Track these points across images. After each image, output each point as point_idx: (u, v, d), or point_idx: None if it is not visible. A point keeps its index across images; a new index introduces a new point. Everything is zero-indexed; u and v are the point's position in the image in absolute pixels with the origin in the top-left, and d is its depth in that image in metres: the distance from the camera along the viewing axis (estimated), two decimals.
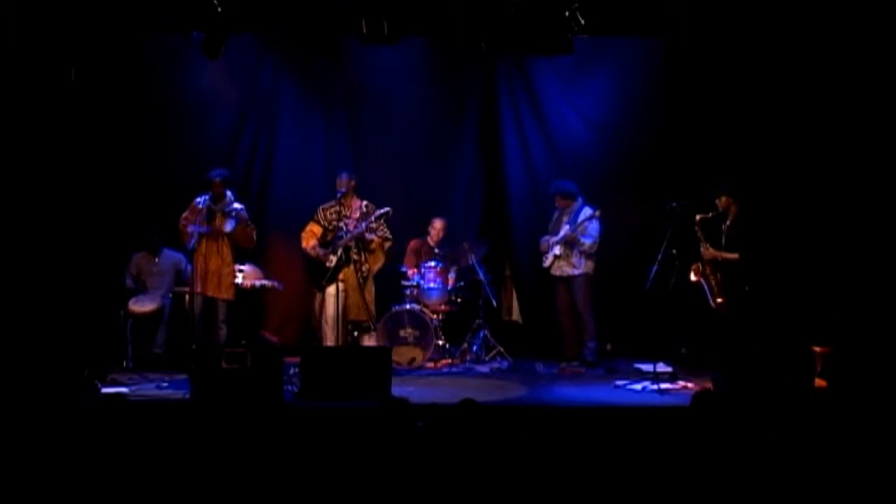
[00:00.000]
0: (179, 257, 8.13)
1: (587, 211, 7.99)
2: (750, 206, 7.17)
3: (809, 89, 7.69)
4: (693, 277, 7.15)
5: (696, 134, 8.29)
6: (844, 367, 6.67)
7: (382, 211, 7.60)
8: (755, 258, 6.92)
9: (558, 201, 8.11)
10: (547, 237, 8.14)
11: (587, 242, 7.93)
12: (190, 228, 7.60)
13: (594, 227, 7.94)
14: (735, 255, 7.02)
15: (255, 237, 7.81)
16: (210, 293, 7.68)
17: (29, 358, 6.75)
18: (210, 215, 7.62)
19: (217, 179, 7.65)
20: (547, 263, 8.10)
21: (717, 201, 7.19)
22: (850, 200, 7.50)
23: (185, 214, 7.72)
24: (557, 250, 8.01)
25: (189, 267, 7.85)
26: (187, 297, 7.89)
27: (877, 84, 7.40)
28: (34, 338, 7.11)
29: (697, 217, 7.18)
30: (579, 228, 7.93)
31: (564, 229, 8.00)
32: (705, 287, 7.11)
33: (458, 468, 3.84)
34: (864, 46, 7.39)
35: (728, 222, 7.19)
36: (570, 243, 7.96)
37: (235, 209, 7.71)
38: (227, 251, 7.69)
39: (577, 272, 7.98)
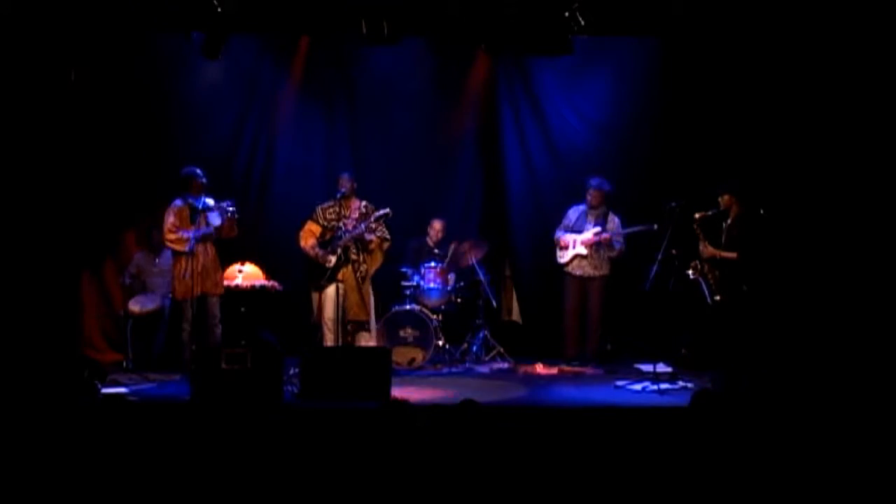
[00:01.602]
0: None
1: (615, 218, 7.99)
2: (752, 205, 7.16)
3: (809, 88, 7.69)
4: (691, 275, 7.15)
5: (696, 134, 8.30)
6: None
7: (382, 212, 7.59)
8: (754, 257, 6.91)
9: (594, 198, 8.00)
10: (562, 232, 8.08)
11: (618, 247, 7.95)
12: (186, 234, 7.39)
13: (628, 231, 7.95)
14: (733, 255, 7.01)
15: (236, 227, 7.63)
16: (204, 290, 7.44)
17: (29, 358, 6.76)
18: (194, 215, 7.45)
19: (204, 181, 7.51)
20: (565, 260, 8.04)
21: (719, 199, 7.18)
22: (849, 200, 7.51)
23: (171, 221, 7.42)
24: (583, 250, 7.97)
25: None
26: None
27: (876, 83, 7.40)
28: (34, 338, 7.12)
29: (696, 215, 7.17)
30: (615, 235, 7.90)
31: (594, 229, 7.94)
32: (703, 285, 7.11)
33: (458, 468, 3.84)
34: (863, 44, 7.39)
35: (729, 221, 7.18)
36: (600, 245, 7.92)
37: (214, 203, 7.51)
38: (211, 247, 7.53)
39: (598, 273, 7.98)
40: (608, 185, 8.03)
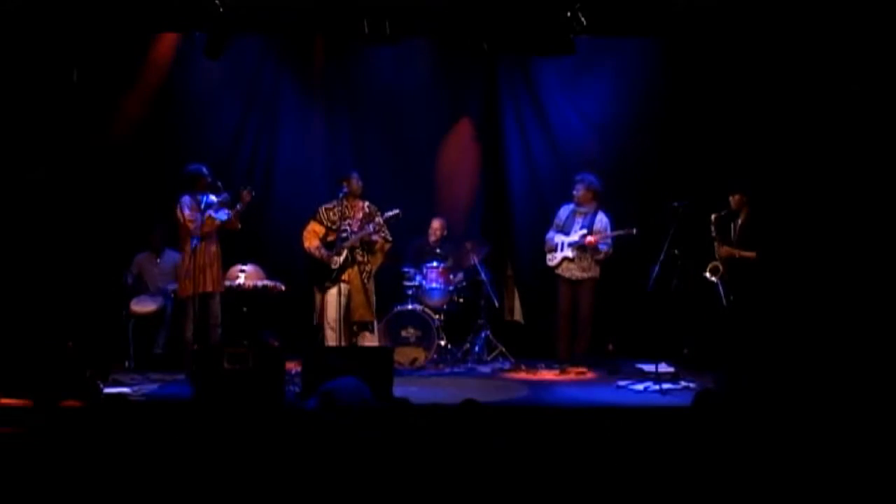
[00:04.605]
0: (179, 257, 8.13)
1: (603, 218, 7.91)
2: (762, 204, 7.15)
3: (811, 86, 7.69)
4: (710, 276, 7.10)
5: (698, 134, 8.29)
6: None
7: (392, 213, 7.60)
8: (770, 257, 6.91)
9: (582, 196, 7.90)
10: (553, 233, 8.04)
11: (603, 250, 7.84)
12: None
13: (610, 235, 7.88)
14: (752, 254, 7.00)
15: (238, 221, 7.59)
16: (205, 289, 7.43)
17: (30, 358, 6.75)
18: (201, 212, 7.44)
19: (209, 179, 7.48)
20: (554, 263, 8.00)
21: (730, 199, 7.17)
22: (852, 199, 7.51)
23: (187, 213, 7.39)
24: (570, 253, 7.91)
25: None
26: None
27: (878, 81, 7.40)
28: (35, 338, 7.11)
29: (713, 216, 7.15)
30: (600, 236, 7.81)
31: (580, 233, 7.88)
32: (720, 287, 7.06)
33: (460, 468, 3.83)
34: (865, 43, 7.39)
35: (741, 221, 7.17)
36: (585, 249, 7.87)
37: (216, 200, 7.50)
38: (214, 244, 7.51)
39: (587, 276, 7.91)
40: (596, 182, 7.91)
